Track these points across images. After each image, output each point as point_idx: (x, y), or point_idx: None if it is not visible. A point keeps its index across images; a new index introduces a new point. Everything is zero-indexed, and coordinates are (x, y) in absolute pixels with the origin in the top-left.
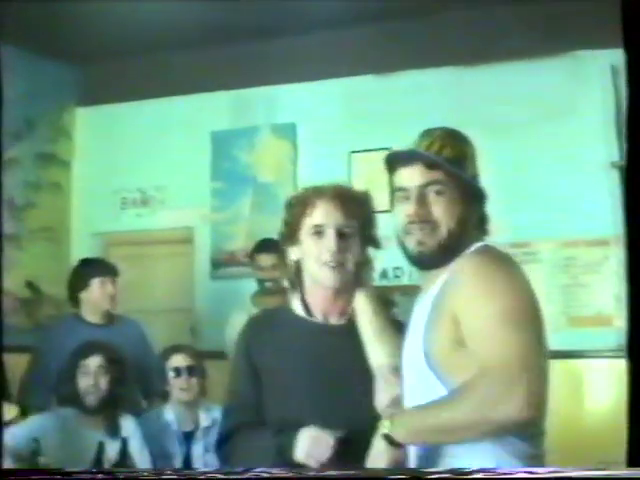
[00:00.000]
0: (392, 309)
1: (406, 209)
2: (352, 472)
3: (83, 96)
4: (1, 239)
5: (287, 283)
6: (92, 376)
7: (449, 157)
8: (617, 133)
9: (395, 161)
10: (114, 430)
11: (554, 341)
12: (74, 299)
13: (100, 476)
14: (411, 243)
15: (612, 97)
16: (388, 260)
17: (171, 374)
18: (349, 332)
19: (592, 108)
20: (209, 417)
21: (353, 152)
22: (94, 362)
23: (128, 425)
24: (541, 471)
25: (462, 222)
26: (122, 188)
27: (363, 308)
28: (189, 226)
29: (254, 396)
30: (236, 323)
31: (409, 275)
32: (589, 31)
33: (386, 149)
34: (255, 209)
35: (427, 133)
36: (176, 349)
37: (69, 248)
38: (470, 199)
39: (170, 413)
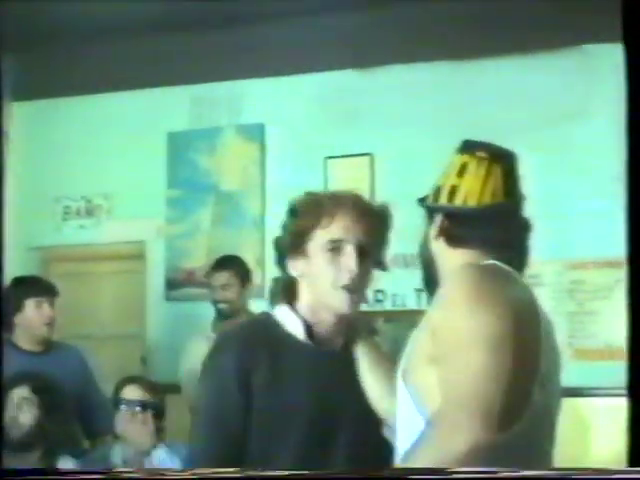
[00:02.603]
0: (373, 337)
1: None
2: (329, 471)
3: (18, 89)
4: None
5: (272, 295)
6: (14, 408)
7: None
8: None
9: None
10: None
11: None
12: (7, 323)
13: (100, 476)
14: None
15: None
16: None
17: (122, 408)
18: (347, 359)
19: (604, 110)
20: (164, 460)
21: (329, 157)
22: (18, 393)
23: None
24: (527, 472)
25: None
26: (64, 196)
27: (360, 337)
28: (141, 240)
29: (243, 425)
30: (194, 352)
31: (392, 300)
32: (600, 22)
33: (367, 155)
34: (216, 221)
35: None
36: (129, 380)
37: (1, 264)
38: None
39: (118, 454)
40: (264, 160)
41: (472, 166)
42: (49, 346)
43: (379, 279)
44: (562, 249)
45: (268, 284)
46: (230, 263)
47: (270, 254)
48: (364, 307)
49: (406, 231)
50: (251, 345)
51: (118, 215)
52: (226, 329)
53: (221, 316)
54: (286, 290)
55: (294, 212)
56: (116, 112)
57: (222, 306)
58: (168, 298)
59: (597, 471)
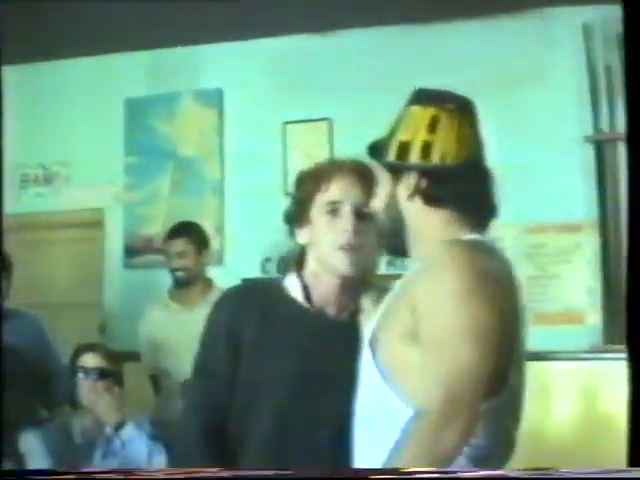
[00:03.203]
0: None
1: None
2: (273, 472)
3: None
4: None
5: (282, 267)
6: None
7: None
8: (591, 103)
9: None
10: (9, 445)
11: None
12: None
13: (100, 476)
14: None
15: (585, 62)
16: None
17: (80, 377)
18: (349, 331)
19: (562, 74)
20: (133, 437)
21: (287, 123)
22: None
23: (27, 439)
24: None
25: None
26: (20, 163)
27: (370, 307)
28: (99, 207)
29: (232, 379)
30: (151, 319)
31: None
32: None
33: (325, 119)
34: (175, 188)
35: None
36: (87, 348)
37: None
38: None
39: (77, 423)
40: (222, 126)
41: (444, 120)
42: (4, 314)
43: None
44: (521, 213)
45: (227, 251)
46: (186, 230)
47: (229, 220)
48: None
49: None
50: (245, 304)
51: (76, 182)
52: (230, 288)
53: (178, 283)
54: (296, 260)
55: (299, 182)
56: (73, 79)
57: (179, 273)
58: (126, 265)
59: (596, 471)
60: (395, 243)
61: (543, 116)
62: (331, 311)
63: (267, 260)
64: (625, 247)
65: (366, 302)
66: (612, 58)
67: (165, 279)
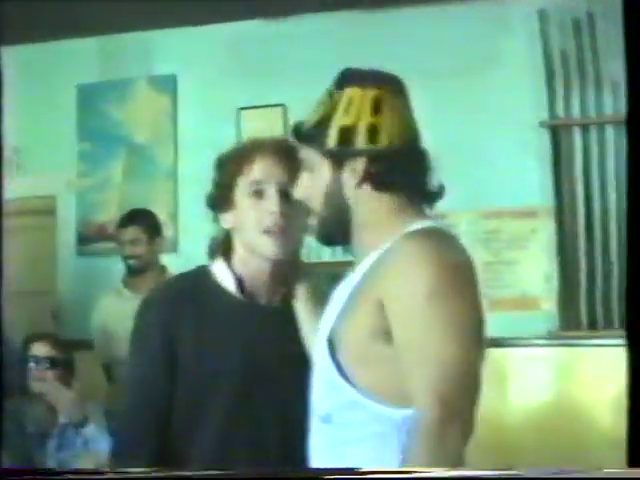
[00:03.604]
0: (315, 288)
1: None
2: (233, 472)
3: None
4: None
5: (210, 251)
6: None
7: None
8: (547, 88)
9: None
10: None
11: None
12: None
13: (100, 476)
14: None
15: (540, 46)
16: None
17: (31, 366)
18: (284, 315)
19: (518, 59)
20: (95, 437)
21: (242, 108)
22: None
23: None
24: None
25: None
26: None
27: (302, 290)
28: (51, 194)
29: (168, 385)
30: (104, 307)
31: (306, 252)
32: None
33: (280, 105)
34: (128, 174)
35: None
36: (37, 337)
37: None
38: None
39: (30, 413)
40: (176, 112)
41: (387, 101)
42: None
43: None
44: (476, 199)
45: (181, 238)
46: (139, 217)
47: (183, 207)
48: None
49: None
50: (176, 302)
51: (27, 169)
52: (157, 284)
53: (131, 271)
54: (222, 245)
55: (219, 164)
56: (24, 65)
57: (132, 261)
58: (79, 253)
59: (596, 471)
60: (336, 232)
61: (499, 101)
62: (263, 298)
63: None
64: (582, 233)
65: (298, 286)
66: (567, 43)
67: (118, 267)
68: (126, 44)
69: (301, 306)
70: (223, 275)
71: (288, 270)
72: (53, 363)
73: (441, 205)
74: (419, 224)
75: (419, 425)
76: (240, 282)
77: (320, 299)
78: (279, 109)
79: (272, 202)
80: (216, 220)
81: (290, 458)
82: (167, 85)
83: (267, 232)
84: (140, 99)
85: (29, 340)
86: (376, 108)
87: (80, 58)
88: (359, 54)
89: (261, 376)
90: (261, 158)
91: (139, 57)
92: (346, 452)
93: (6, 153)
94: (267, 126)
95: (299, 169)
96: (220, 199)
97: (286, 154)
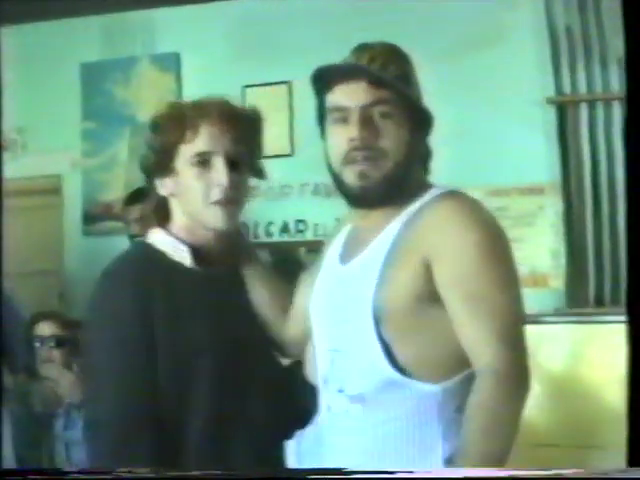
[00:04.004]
0: (299, 270)
1: (347, 132)
2: (215, 472)
3: None
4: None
5: (143, 221)
6: None
7: (395, 75)
8: (552, 64)
9: (329, 76)
10: None
11: None
12: None
13: (100, 476)
14: (351, 176)
15: (545, 23)
16: (290, 212)
17: (36, 346)
18: (235, 281)
19: (523, 36)
20: (74, 398)
21: (246, 86)
22: None
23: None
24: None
25: (409, 153)
26: None
27: (250, 256)
28: (56, 174)
29: (151, 372)
30: None
31: (314, 229)
32: None
33: (284, 83)
34: (133, 153)
35: (364, 47)
36: (42, 316)
37: None
38: (417, 126)
39: (36, 392)
40: (180, 90)
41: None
42: None
43: (300, 210)
44: (483, 176)
45: None
46: (145, 196)
47: None
48: (285, 238)
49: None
50: (143, 282)
51: (33, 149)
52: (107, 269)
53: None
54: (158, 212)
55: (156, 127)
56: (27, 44)
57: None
58: (85, 233)
59: (596, 471)
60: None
61: (504, 78)
62: (211, 264)
63: None
64: (589, 209)
65: (246, 254)
66: (573, 19)
67: (125, 246)
68: (129, 22)
69: (252, 274)
70: (170, 246)
71: (236, 237)
72: (58, 342)
73: (449, 181)
74: (440, 188)
75: (483, 380)
76: (192, 252)
77: (268, 269)
78: (284, 87)
79: (220, 173)
80: (150, 184)
81: (276, 423)
82: (171, 63)
83: (217, 204)
84: (144, 77)
85: (35, 320)
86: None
87: (83, 37)
88: (363, 31)
89: (238, 343)
90: (206, 125)
91: (142, 35)
92: (382, 432)
93: (10, 133)
94: (272, 104)
95: (244, 133)
96: (158, 165)
97: (232, 119)
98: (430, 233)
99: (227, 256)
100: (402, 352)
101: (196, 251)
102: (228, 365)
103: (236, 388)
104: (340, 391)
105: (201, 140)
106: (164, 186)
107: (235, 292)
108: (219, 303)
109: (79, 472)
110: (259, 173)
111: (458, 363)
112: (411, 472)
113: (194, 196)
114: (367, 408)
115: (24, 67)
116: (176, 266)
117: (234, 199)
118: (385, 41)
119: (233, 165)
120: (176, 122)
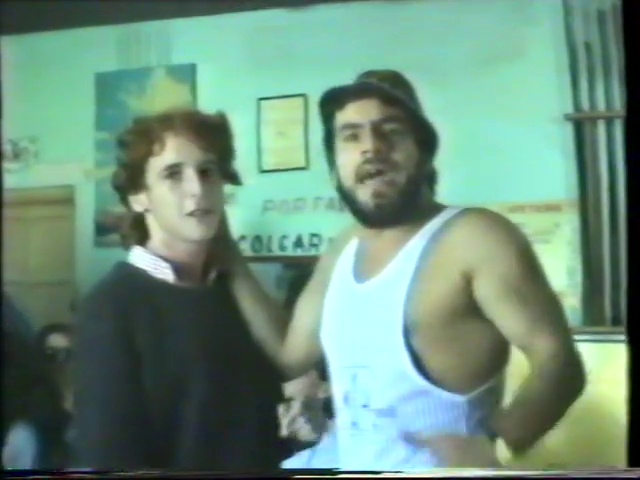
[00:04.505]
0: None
1: (359, 146)
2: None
3: None
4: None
5: (123, 239)
6: None
7: (404, 95)
8: (571, 81)
9: (340, 96)
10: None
11: None
12: None
13: (100, 476)
14: (366, 195)
15: (564, 39)
16: (304, 225)
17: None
18: (220, 295)
19: (542, 51)
20: None
21: (262, 99)
22: None
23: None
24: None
25: (420, 168)
26: None
27: (236, 270)
28: (69, 184)
29: (136, 399)
30: None
31: (328, 243)
32: None
33: (300, 95)
34: None
35: (371, 72)
36: (53, 328)
37: None
38: (425, 145)
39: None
40: (195, 102)
41: None
42: None
43: (314, 224)
44: (499, 192)
45: None
46: None
47: None
48: (299, 252)
49: None
50: (124, 303)
51: (46, 159)
52: (89, 294)
53: None
54: (136, 230)
55: (123, 143)
56: (42, 53)
57: None
58: (97, 243)
59: (596, 471)
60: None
61: (522, 94)
62: (196, 280)
63: (242, 238)
64: (606, 227)
65: (232, 265)
66: (592, 35)
67: None
68: (145, 33)
69: (239, 286)
70: (150, 264)
71: (215, 247)
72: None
73: (464, 198)
74: (455, 207)
75: (544, 368)
76: (176, 267)
77: (255, 278)
78: (299, 99)
79: (192, 184)
80: (124, 202)
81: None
82: (186, 75)
83: (190, 215)
84: (159, 88)
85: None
86: None
87: (99, 47)
88: (381, 45)
89: (227, 361)
90: (173, 137)
91: (158, 46)
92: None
93: (23, 142)
94: (288, 116)
95: (212, 140)
96: (129, 181)
97: (198, 128)
98: (466, 247)
99: (211, 269)
100: (432, 362)
101: (178, 266)
102: (217, 384)
103: (226, 408)
104: (365, 406)
105: (169, 152)
106: (138, 202)
107: (222, 308)
108: (205, 320)
109: (79, 472)
110: (233, 178)
111: (483, 375)
112: (400, 472)
113: (168, 209)
114: (397, 421)
115: (38, 76)
116: (158, 284)
117: (209, 209)
118: (390, 69)
119: (204, 174)
120: (142, 136)
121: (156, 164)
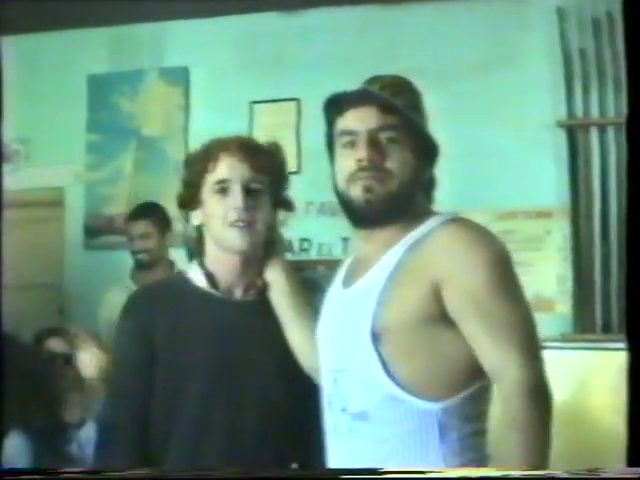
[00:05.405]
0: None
1: (355, 154)
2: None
3: None
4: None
5: (186, 252)
6: None
7: (405, 104)
8: (565, 87)
9: (342, 102)
10: None
11: None
12: None
13: (101, 476)
14: (357, 190)
15: (559, 45)
16: (295, 230)
17: (45, 362)
18: (260, 309)
19: (536, 58)
20: (83, 428)
21: (254, 102)
22: None
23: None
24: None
25: (414, 176)
26: None
27: (278, 281)
28: (59, 186)
29: (146, 387)
30: (112, 302)
31: (318, 248)
32: None
33: (293, 99)
34: (138, 167)
35: (376, 78)
36: (51, 332)
37: None
38: (423, 154)
39: (46, 408)
40: (188, 105)
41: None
42: None
43: (304, 228)
44: (491, 198)
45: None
46: (148, 211)
47: None
48: (288, 257)
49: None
50: (150, 306)
51: (36, 161)
52: (134, 291)
53: (140, 266)
54: (196, 245)
55: (186, 162)
56: (34, 54)
57: (140, 256)
58: (87, 246)
59: (596, 471)
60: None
61: (516, 100)
62: (237, 292)
63: None
64: (597, 234)
65: (273, 277)
66: (586, 42)
67: (127, 260)
68: (138, 35)
69: (278, 298)
70: (196, 274)
71: (260, 262)
72: (67, 359)
73: (455, 204)
74: (445, 215)
75: (510, 396)
76: (211, 277)
77: (298, 291)
78: (292, 103)
79: (236, 198)
80: (187, 218)
81: (268, 450)
82: (179, 77)
83: (233, 225)
84: (151, 91)
85: (43, 335)
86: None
87: (91, 49)
88: (375, 50)
89: (235, 369)
90: (225, 156)
91: (151, 48)
92: (385, 449)
93: (14, 143)
94: (280, 120)
95: (263, 163)
96: (189, 197)
97: (249, 151)
98: (437, 257)
99: (253, 282)
100: (402, 368)
101: (219, 277)
102: (222, 387)
103: (227, 410)
104: (343, 410)
105: (221, 169)
106: (195, 217)
107: (250, 318)
108: (229, 327)
109: (79, 472)
110: (286, 205)
111: (459, 383)
112: (401, 471)
113: (215, 221)
114: (370, 426)
115: (30, 77)
116: (195, 292)
117: (250, 221)
118: (396, 75)
119: (250, 192)
120: (202, 155)
121: (210, 179)
